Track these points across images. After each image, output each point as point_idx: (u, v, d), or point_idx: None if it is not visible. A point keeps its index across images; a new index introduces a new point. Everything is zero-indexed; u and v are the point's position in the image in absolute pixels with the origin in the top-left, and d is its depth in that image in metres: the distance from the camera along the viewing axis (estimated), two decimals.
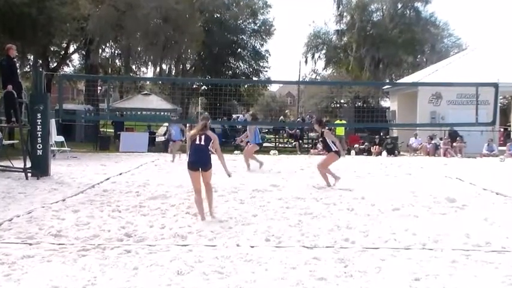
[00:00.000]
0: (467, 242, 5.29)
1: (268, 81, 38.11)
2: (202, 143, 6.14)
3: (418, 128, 21.30)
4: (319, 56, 40.98)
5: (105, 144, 19.69)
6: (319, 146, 20.58)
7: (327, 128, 9.54)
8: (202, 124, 6.24)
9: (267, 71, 37.96)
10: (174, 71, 32.62)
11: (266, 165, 13.34)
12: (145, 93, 27.58)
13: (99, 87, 31.94)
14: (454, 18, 76.94)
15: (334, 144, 9.31)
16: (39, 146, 9.77)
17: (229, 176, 6.56)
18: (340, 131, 21.41)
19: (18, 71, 11.52)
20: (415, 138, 20.84)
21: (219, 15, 34.15)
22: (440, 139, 20.23)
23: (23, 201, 7.31)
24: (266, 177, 10.80)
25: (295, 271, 4.23)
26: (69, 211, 6.55)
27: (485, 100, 13.11)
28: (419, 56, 39.15)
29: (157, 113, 25.00)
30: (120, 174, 10.67)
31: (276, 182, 9.73)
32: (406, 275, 4.18)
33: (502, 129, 23.63)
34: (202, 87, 34.67)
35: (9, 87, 9.77)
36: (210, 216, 6.26)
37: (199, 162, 6.14)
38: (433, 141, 20.04)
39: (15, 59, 11.12)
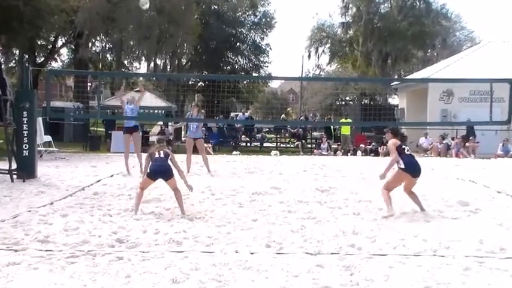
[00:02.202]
0: (481, 248, 5.29)
1: (269, 77, 38.13)
2: (162, 155, 6.95)
3: (428, 127, 21.30)
4: (323, 51, 40.96)
5: (96, 144, 19.69)
6: (323, 146, 20.65)
7: (394, 139, 7.43)
8: (161, 145, 7.14)
9: (267, 66, 37.96)
10: (169, 67, 32.60)
11: (267, 167, 13.34)
12: (139, 90, 27.53)
13: (89, 84, 31.90)
14: (466, 10, 77.02)
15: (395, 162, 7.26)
16: (26, 146, 9.77)
17: (190, 189, 7.18)
18: (346, 130, 21.43)
19: (2, 66, 11.53)
20: (425, 137, 20.84)
21: (216, 7, 34.16)
22: (452, 139, 20.23)
23: (8, 204, 7.31)
24: (267, 179, 10.80)
25: (298, 279, 4.24)
26: (57, 215, 6.55)
27: (499, 97, 13.06)
28: (429, 51, 39.12)
29: (152, 111, 24.99)
30: (112, 176, 10.66)
31: (277, 184, 9.73)
32: (415, 283, 4.18)
33: None
34: (199, 84, 34.66)
35: None
36: (181, 214, 6.70)
37: (160, 172, 6.89)
38: (444, 141, 20.04)
39: None
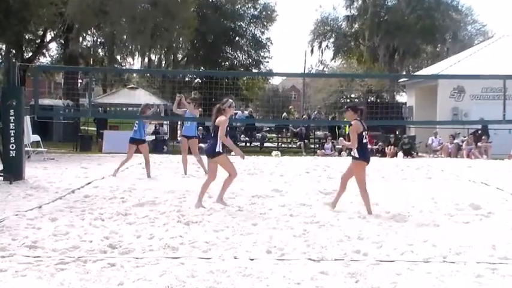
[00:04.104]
0: (494, 254, 5.29)
1: (270, 73, 38.11)
2: None
3: (438, 126, 21.29)
4: (327, 45, 40.89)
5: (87, 144, 19.70)
6: (327, 146, 20.69)
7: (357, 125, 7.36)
8: None
9: (268, 62, 37.92)
10: (164, 62, 32.59)
11: (268, 168, 13.36)
12: (132, 87, 27.62)
13: (79, 80, 31.92)
14: (478, 2, 76.78)
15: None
16: (12, 147, 9.76)
17: None
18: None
19: None
20: (435, 137, 20.83)
21: None
22: (464, 137, 20.23)
23: None
24: (268, 181, 10.81)
25: (300, 287, 4.23)
26: (46, 219, 6.55)
27: None
28: (439, 45, 39.06)
29: None
30: (103, 178, 10.67)
31: (278, 186, 9.75)
32: None
33: None
34: (196, 80, 34.66)
35: None
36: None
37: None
38: (455, 141, 20.04)
39: None
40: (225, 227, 6.32)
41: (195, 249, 5.34)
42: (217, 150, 7.35)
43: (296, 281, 4.36)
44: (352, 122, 7.41)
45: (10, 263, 4.73)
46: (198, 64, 35.15)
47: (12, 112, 9.77)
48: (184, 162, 11.48)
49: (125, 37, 27.91)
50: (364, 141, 7.40)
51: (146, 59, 30.65)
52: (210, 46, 33.78)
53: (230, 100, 7.70)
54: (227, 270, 4.60)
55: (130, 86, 27.95)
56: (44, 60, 30.88)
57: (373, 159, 18.12)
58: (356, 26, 39.07)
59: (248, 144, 23.98)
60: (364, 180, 7.44)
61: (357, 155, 7.37)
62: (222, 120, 7.36)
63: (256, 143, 24.29)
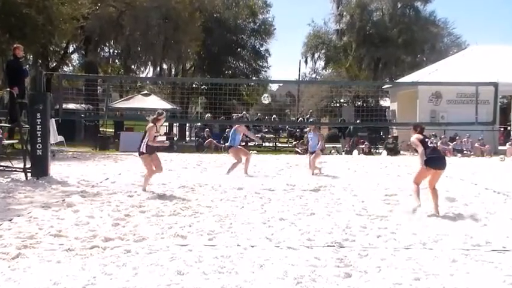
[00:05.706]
0: (467, 241, 5.29)
1: (267, 80, 38.02)
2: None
3: None
4: (319, 56, 40.84)
5: (105, 144, 19.69)
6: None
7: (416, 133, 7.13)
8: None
9: (265, 71, 37.91)
10: (173, 71, 32.56)
11: (266, 164, 13.33)
12: (145, 93, 27.50)
13: (98, 87, 31.85)
14: (453, 16, 76.39)
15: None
16: (39, 146, 9.75)
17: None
18: None
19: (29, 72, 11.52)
20: None
21: (218, 15, 34.08)
22: (439, 138, 20.22)
23: (23, 201, 7.31)
24: (267, 176, 10.80)
25: (295, 270, 4.23)
26: (68, 211, 6.55)
27: (485, 99, 13.09)
28: (418, 56, 39.00)
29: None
30: (120, 174, 10.66)
31: (276, 181, 9.73)
32: (406, 274, 4.18)
33: (502, 129, 23.64)
34: (202, 87, 34.60)
35: (15, 90, 9.74)
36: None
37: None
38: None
39: (21, 59, 11.14)
40: (228, 218, 6.31)
41: (202, 237, 5.33)
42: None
43: (291, 265, 4.35)
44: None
45: (37, 249, 4.73)
46: (204, 72, 35.10)
47: (38, 115, 9.74)
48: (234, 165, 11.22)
49: (139, 48, 27.89)
50: (430, 145, 6.85)
51: (158, 68, 30.63)
52: (214, 56, 33.76)
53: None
54: (230, 256, 4.60)
55: (144, 92, 27.78)
56: (67, 69, 30.81)
57: (360, 156, 18.16)
58: (345, 39, 39.00)
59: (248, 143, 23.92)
60: (418, 181, 6.88)
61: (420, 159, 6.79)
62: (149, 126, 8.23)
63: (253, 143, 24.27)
